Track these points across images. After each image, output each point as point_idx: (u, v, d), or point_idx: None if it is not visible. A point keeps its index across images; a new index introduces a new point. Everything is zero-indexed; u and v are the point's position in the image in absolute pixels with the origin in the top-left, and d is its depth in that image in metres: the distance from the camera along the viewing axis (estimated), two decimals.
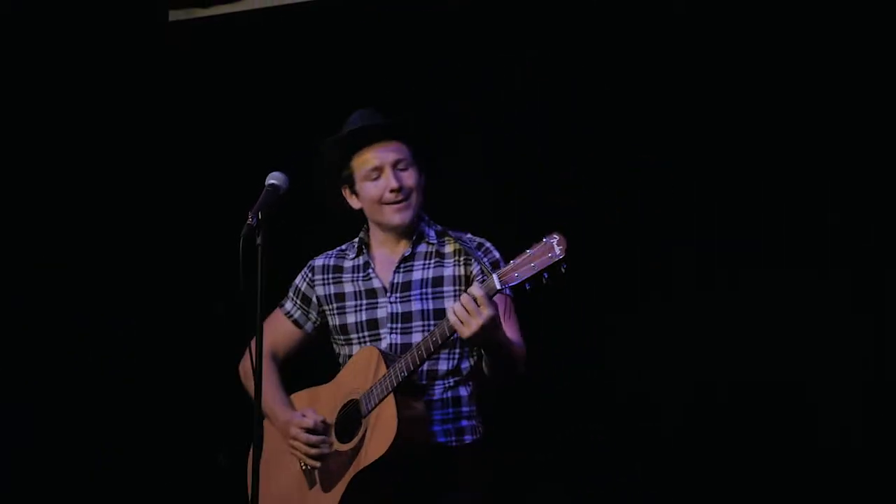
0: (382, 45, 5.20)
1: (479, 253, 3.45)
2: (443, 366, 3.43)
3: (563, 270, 3.04)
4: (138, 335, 5.42)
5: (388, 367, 3.30)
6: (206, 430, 5.30)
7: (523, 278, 3.07)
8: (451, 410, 3.44)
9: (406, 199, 3.47)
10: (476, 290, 3.10)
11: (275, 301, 3.66)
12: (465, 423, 3.46)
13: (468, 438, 3.45)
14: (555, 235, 3.05)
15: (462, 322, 3.11)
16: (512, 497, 3.98)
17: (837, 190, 4.56)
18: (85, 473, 5.33)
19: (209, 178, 5.40)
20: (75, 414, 5.33)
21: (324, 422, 3.43)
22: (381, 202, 3.49)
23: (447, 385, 3.44)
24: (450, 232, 3.54)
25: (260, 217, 3.07)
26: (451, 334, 3.18)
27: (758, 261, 4.67)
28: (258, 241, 3.05)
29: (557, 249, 3.03)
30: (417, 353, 3.25)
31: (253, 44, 5.39)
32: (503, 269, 3.11)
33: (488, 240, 3.55)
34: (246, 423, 3.20)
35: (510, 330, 3.33)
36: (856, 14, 4.51)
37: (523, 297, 3.24)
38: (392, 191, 3.47)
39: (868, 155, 4.52)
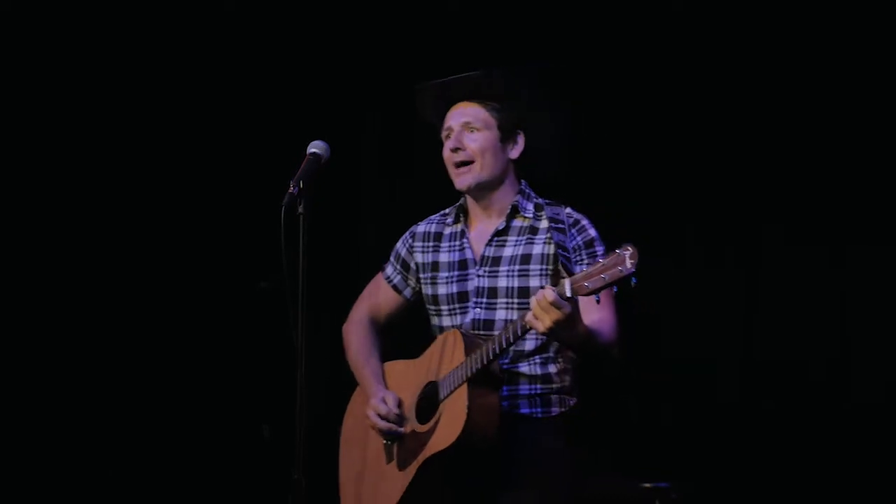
0: (382, 45, 5.19)
1: (574, 231, 3.37)
2: (529, 345, 3.36)
3: (632, 285, 2.93)
4: (187, 312, 5.33)
5: (466, 354, 3.25)
6: (252, 405, 5.22)
7: (593, 288, 2.97)
8: (538, 386, 3.37)
9: (466, 162, 3.40)
10: (549, 293, 3.02)
11: (318, 273, 3.60)
12: (553, 397, 3.39)
13: (555, 410, 3.39)
14: (628, 248, 2.93)
15: (536, 318, 3.05)
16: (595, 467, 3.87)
17: None
18: (140, 448, 5.29)
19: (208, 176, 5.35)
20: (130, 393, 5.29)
21: (400, 404, 3.41)
22: (449, 163, 3.44)
23: (534, 363, 3.37)
24: (545, 207, 3.44)
25: (301, 186, 3.03)
26: (527, 330, 3.12)
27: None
28: (300, 209, 3.02)
29: (629, 263, 2.91)
30: (493, 345, 3.19)
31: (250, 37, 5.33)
32: (576, 276, 3.01)
33: None
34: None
35: (604, 312, 3.22)
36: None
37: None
38: (452, 150, 3.41)
39: None
